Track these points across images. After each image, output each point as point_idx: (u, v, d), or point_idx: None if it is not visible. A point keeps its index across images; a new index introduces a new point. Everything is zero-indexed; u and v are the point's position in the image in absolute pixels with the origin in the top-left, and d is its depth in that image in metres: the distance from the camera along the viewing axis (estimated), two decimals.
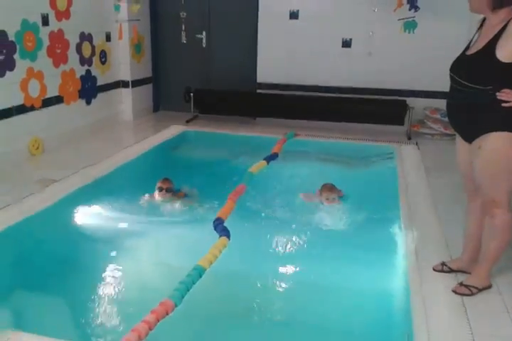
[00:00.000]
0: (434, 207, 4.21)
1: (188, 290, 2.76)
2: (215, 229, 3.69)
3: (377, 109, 6.73)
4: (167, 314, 2.55)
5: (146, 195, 4.45)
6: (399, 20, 6.62)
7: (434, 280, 3.06)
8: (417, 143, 6.28)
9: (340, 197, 4.52)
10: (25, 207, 3.93)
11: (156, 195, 4.38)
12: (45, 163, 5.29)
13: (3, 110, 5.00)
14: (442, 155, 5.80)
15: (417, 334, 2.51)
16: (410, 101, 6.69)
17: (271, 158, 5.59)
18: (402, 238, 3.71)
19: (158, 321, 2.48)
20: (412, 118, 6.61)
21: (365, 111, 6.74)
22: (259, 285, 3.26)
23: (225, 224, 3.74)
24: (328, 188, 4.48)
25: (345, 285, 3.29)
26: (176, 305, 2.61)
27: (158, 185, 4.39)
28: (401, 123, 6.66)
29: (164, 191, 4.33)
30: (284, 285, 3.33)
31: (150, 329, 2.41)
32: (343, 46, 6.94)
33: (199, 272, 2.93)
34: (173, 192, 4.40)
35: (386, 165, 5.61)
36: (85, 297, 2.98)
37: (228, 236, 3.52)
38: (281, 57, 7.17)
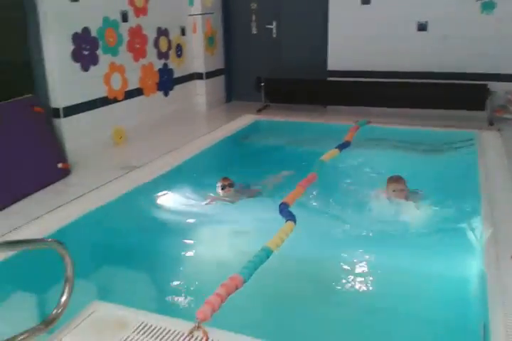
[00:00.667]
0: None
1: (256, 269, 2.87)
2: (281, 213, 3.77)
3: (455, 93, 6.48)
4: (237, 288, 2.66)
5: (210, 195, 4.42)
6: (477, 1, 6.32)
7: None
8: (499, 129, 5.97)
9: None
10: (109, 191, 4.23)
11: (221, 192, 4.37)
12: (128, 151, 5.62)
13: (89, 102, 5.34)
14: None
15: (493, 322, 2.42)
16: (491, 85, 6.37)
17: (343, 146, 5.54)
18: (481, 227, 3.57)
19: (229, 294, 2.59)
20: (493, 103, 6.30)
21: (443, 96, 6.50)
22: (325, 269, 3.30)
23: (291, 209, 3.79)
24: (395, 179, 4.20)
25: (422, 273, 3.23)
26: (245, 281, 2.72)
27: (219, 184, 4.38)
28: (482, 108, 6.36)
29: (228, 187, 4.34)
30: (356, 270, 3.33)
31: (222, 301, 2.52)
32: (418, 30, 6.72)
33: (266, 253, 3.05)
34: (234, 187, 4.41)
35: (466, 152, 5.39)
36: (162, 274, 3.16)
37: (294, 220, 3.58)
38: (352, 44, 7.07)
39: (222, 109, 7.85)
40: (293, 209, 3.82)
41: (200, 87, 7.51)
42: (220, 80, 7.97)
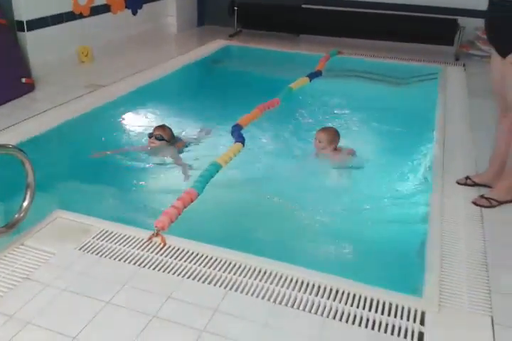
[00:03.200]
0: (470, 126, 4.23)
1: (207, 182, 3.09)
2: (232, 134, 3.95)
3: (425, 27, 6.46)
4: (191, 201, 2.87)
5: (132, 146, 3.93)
6: None
7: (456, 192, 3.18)
8: (464, 65, 6.09)
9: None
10: (74, 108, 4.24)
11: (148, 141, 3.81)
12: (94, 69, 5.52)
13: (53, 16, 5.14)
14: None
15: (431, 239, 2.66)
16: (461, 20, 6.36)
17: (314, 75, 5.57)
18: (431, 151, 3.78)
19: (185, 207, 2.79)
20: (462, 39, 6.34)
21: (413, 29, 6.47)
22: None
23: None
24: (322, 129, 3.80)
25: (368, 192, 3.44)
26: (198, 194, 2.93)
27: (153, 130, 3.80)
28: (450, 43, 6.40)
29: (154, 138, 3.73)
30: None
31: (179, 213, 2.71)
32: None
33: (216, 167, 3.29)
34: (165, 140, 3.78)
35: (429, 85, 5.52)
36: (120, 189, 3.32)
37: (243, 142, 3.79)
38: None
39: (193, 32, 7.65)
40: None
41: (171, 7, 7.23)
42: (192, 1, 7.68)
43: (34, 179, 2.46)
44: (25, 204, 2.45)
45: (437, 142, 3.88)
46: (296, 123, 4.54)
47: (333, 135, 3.77)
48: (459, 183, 3.28)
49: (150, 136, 3.75)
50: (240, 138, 3.85)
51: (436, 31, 6.42)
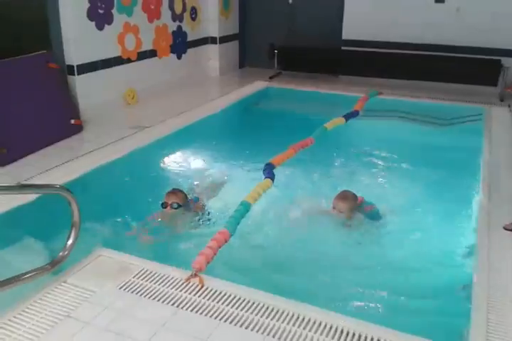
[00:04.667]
0: None
1: (239, 223, 3.12)
2: (263, 171, 3.98)
3: (468, 68, 6.44)
4: (225, 241, 2.89)
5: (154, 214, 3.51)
6: None
7: (503, 238, 3.05)
8: (509, 106, 5.97)
9: (360, 206, 3.61)
10: (119, 148, 4.40)
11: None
12: (139, 111, 5.73)
13: (102, 61, 5.43)
14: None
15: (476, 285, 2.54)
16: (505, 60, 6.31)
17: (350, 115, 5.58)
18: (476, 198, 3.67)
19: (220, 247, 2.81)
20: (506, 79, 6.26)
21: (456, 70, 6.47)
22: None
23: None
24: (340, 197, 3.50)
25: (415, 238, 3.35)
26: (231, 234, 2.96)
27: (165, 199, 3.44)
28: (494, 84, 6.34)
29: (169, 207, 3.39)
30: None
31: (214, 253, 2.72)
32: (435, 1, 6.63)
33: (245, 207, 3.33)
34: (182, 206, 3.44)
35: (473, 126, 5.43)
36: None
37: (272, 179, 3.82)
38: (368, 14, 7.00)
39: (235, 74, 7.88)
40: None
41: (213, 51, 7.52)
42: (233, 45, 7.96)
43: (79, 218, 2.52)
44: (69, 242, 2.51)
45: (482, 188, 3.76)
46: (326, 166, 4.52)
47: (353, 201, 3.50)
48: (506, 229, 3.15)
49: (165, 206, 3.38)
50: (271, 175, 3.87)
51: (479, 72, 6.39)
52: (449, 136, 5.35)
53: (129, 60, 5.82)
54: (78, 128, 4.85)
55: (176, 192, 3.49)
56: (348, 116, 5.51)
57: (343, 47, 7.29)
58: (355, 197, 3.55)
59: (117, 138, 4.61)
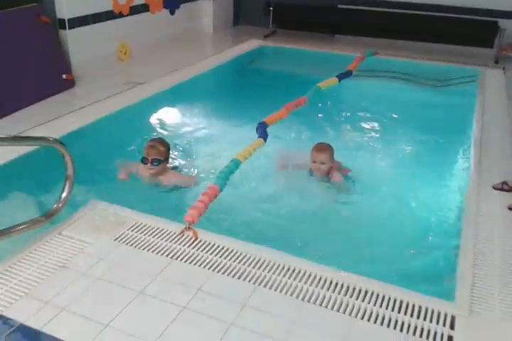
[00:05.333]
0: (509, 131, 4.13)
1: (228, 178, 3.20)
2: (256, 130, 4.01)
3: (464, 29, 6.37)
4: (215, 196, 2.96)
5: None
6: None
7: (492, 197, 3.11)
8: (504, 68, 5.95)
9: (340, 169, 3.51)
10: (111, 105, 4.35)
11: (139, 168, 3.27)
12: (131, 67, 5.65)
13: (94, 15, 5.28)
14: None
15: (464, 243, 2.61)
16: (502, 22, 6.23)
17: (344, 75, 5.55)
18: (468, 156, 3.71)
19: (210, 201, 2.88)
20: (502, 41, 6.20)
21: (452, 31, 6.39)
22: None
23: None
24: (319, 148, 3.36)
25: (399, 196, 3.41)
26: (221, 189, 3.03)
27: (144, 151, 3.20)
28: (490, 46, 6.28)
29: (149, 163, 3.17)
30: None
31: (205, 207, 2.79)
32: None
33: (235, 164, 3.39)
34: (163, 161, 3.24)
35: (467, 87, 5.43)
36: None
37: (265, 138, 3.86)
38: None
39: (229, 32, 7.73)
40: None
41: (207, 7, 7.33)
42: (228, 2, 7.75)
43: (73, 171, 2.54)
44: (63, 195, 2.54)
45: (474, 146, 3.81)
46: (318, 126, 4.52)
47: (332, 151, 3.39)
48: (494, 188, 3.21)
49: (145, 161, 3.16)
50: (263, 135, 3.91)
51: (476, 33, 6.32)
52: (442, 96, 5.36)
53: (121, 15, 5.67)
54: (70, 84, 4.78)
55: (156, 145, 3.20)
56: (341, 76, 5.49)
57: (339, 6, 7.14)
58: (331, 147, 3.42)
59: (110, 94, 4.56)
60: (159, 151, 3.20)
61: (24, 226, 2.41)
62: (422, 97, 5.33)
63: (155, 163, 3.18)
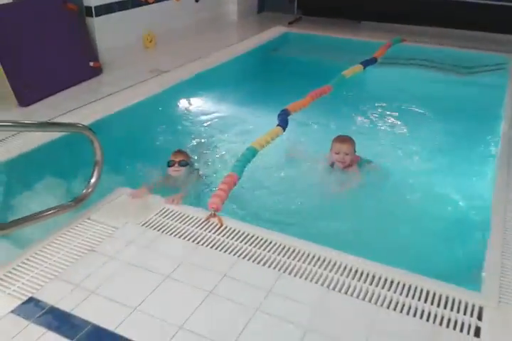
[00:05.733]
0: None
1: (245, 166, 3.20)
2: (278, 118, 3.98)
3: (494, 15, 6.20)
4: (235, 184, 2.98)
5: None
6: None
7: None
8: None
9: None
10: (138, 92, 4.38)
11: (169, 170, 3.23)
12: (157, 55, 5.65)
13: (120, 2, 5.29)
14: None
15: (492, 233, 2.56)
16: None
17: (368, 62, 5.48)
18: (498, 145, 3.64)
19: (230, 189, 2.90)
20: None
21: (481, 17, 6.22)
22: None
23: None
24: (341, 139, 3.33)
25: (430, 186, 3.37)
26: (239, 177, 3.05)
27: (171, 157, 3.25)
28: None
29: (177, 164, 3.20)
30: None
31: (226, 195, 2.81)
32: None
33: (252, 152, 3.38)
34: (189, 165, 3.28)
35: (497, 76, 5.29)
36: None
37: (284, 127, 3.82)
38: None
39: (253, 19, 7.67)
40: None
41: None
42: None
43: (102, 157, 2.58)
44: (92, 180, 2.59)
45: (503, 135, 3.73)
46: (342, 115, 4.47)
47: (354, 143, 3.34)
48: None
49: (171, 164, 3.19)
50: (283, 123, 3.86)
51: (506, 19, 6.13)
52: (471, 85, 5.23)
53: (146, 3, 5.68)
54: (97, 71, 4.83)
55: (181, 151, 3.34)
56: (365, 64, 5.42)
57: None
58: (353, 140, 3.37)
59: (136, 82, 4.59)
60: (184, 155, 3.27)
61: (54, 211, 2.47)
62: (449, 86, 5.22)
63: (182, 163, 3.19)
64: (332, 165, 3.41)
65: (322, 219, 2.93)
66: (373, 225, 2.89)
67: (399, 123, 4.42)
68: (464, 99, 4.84)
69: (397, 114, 4.54)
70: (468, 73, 5.50)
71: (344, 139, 3.34)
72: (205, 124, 4.22)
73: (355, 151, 3.34)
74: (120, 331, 1.91)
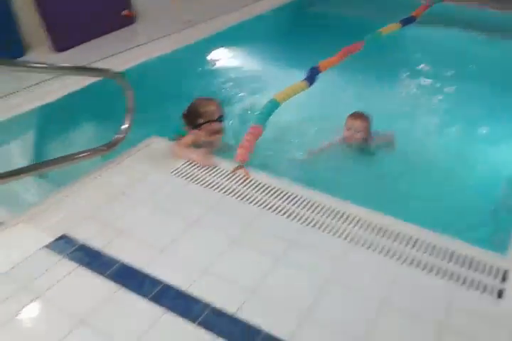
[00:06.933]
0: None
1: (267, 119, 3.18)
2: (307, 73, 3.90)
3: None
4: (259, 135, 2.96)
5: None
6: None
7: None
8: None
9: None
10: (172, 42, 4.38)
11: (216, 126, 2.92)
12: (191, 5, 5.55)
13: None
14: None
15: None
16: None
17: (407, 21, 5.26)
18: None
19: (256, 140, 2.89)
20: None
21: None
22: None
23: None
24: (355, 116, 3.14)
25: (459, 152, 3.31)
26: (263, 128, 3.04)
27: (213, 110, 2.91)
28: None
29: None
30: None
31: (252, 146, 2.82)
32: None
33: (274, 104, 3.36)
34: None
35: None
36: None
37: (310, 83, 3.74)
38: None
39: None
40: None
41: None
42: None
43: (134, 104, 2.60)
44: (124, 126, 2.62)
45: None
46: (371, 75, 4.29)
47: (369, 121, 3.15)
48: None
49: (220, 119, 2.91)
50: (310, 78, 3.79)
51: None
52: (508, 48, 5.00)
53: None
54: (130, 20, 4.80)
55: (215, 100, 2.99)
56: (404, 22, 5.21)
57: None
58: (369, 117, 3.15)
59: (168, 33, 4.57)
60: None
61: (87, 154, 2.53)
62: (487, 49, 5.00)
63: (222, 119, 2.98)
64: (346, 144, 3.20)
65: (347, 178, 2.93)
66: (398, 185, 2.87)
67: (430, 87, 4.29)
68: (503, 64, 4.64)
69: (430, 79, 4.38)
70: (507, 37, 5.25)
71: (358, 115, 3.14)
72: (234, 76, 4.20)
73: (370, 129, 3.14)
74: (148, 270, 1.99)
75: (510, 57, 4.80)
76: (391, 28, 5.03)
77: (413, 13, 5.43)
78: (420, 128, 3.54)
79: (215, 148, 2.93)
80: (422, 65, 4.55)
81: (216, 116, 2.89)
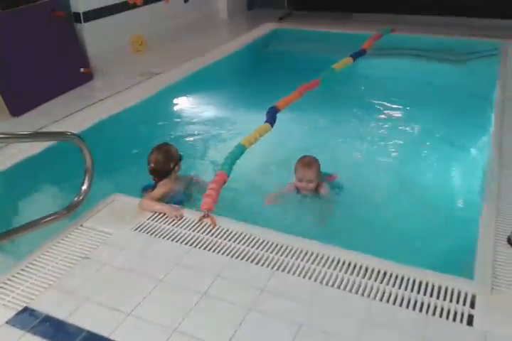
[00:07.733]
0: None
1: (233, 164, 3.22)
2: (266, 114, 4.02)
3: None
4: (224, 182, 3.00)
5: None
6: None
7: None
8: None
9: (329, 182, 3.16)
10: (130, 96, 4.40)
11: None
12: (148, 58, 5.67)
13: (108, 7, 5.31)
14: None
15: (484, 219, 2.56)
16: None
17: (357, 54, 5.49)
18: (489, 133, 3.62)
19: (221, 188, 2.92)
20: None
21: (473, 3, 6.18)
22: None
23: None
24: (306, 162, 2.98)
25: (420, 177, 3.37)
26: (228, 175, 3.07)
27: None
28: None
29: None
30: None
31: (217, 194, 2.83)
32: None
33: (240, 149, 3.42)
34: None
35: (488, 62, 5.27)
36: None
37: (272, 123, 3.86)
38: None
39: (244, 16, 7.66)
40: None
41: None
42: None
43: (92, 165, 2.59)
44: (84, 188, 2.59)
45: (495, 124, 3.70)
46: (330, 110, 4.44)
47: (318, 165, 3.01)
48: None
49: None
50: (271, 120, 3.89)
51: (496, 4, 6.09)
52: (462, 72, 5.21)
53: (134, 5, 5.68)
54: (88, 77, 4.85)
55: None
56: (355, 56, 5.42)
57: None
58: (317, 160, 3.03)
59: (128, 86, 4.62)
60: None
61: (47, 219, 2.47)
62: (441, 73, 5.20)
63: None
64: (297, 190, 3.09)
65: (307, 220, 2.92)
66: (361, 221, 2.88)
67: (390, 113, 4.42)
68: (457, 87, 4.81)
69: (387, 105, 4.53)
70: (460, 60, 5.47)
71: (307, 163, 2.98)
72: (197, 124, 4.25)
73: (320, 173, 3.01)
74: (115, 337, 1.92)
75: (459, 80, 5.00)
76: (344, 62, 5.19)
77: (363, 46, 5.63)
78: (370, 162, 3.61)
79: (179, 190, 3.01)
80: (376, 97, 4.68)
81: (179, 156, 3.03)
